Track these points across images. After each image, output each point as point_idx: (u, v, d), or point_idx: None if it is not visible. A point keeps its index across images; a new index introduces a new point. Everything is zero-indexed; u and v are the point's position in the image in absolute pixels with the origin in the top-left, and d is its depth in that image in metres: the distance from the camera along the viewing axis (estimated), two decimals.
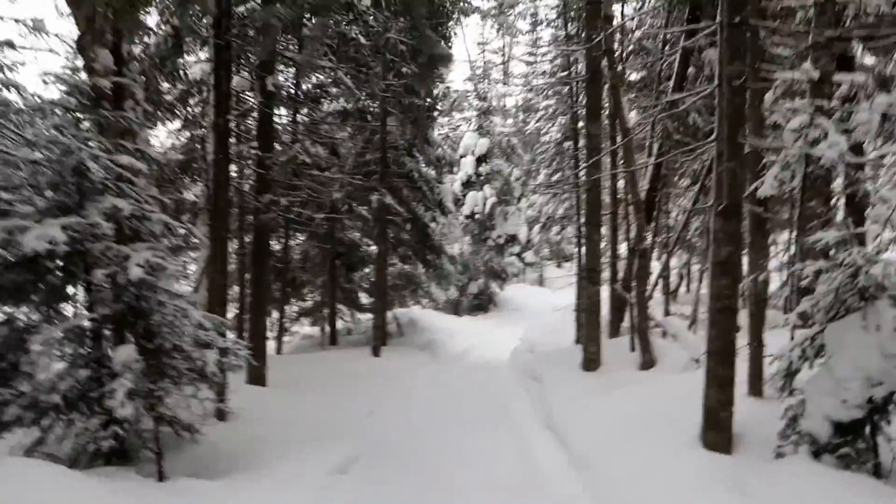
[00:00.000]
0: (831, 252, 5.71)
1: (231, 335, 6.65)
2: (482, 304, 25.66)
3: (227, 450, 6.84)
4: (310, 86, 16.86)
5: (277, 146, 15.17)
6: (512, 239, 24.65)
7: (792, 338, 6.05)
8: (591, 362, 10.05)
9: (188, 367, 5.38)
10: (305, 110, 16.72)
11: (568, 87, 17.96)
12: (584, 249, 11.74)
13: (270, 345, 18.94)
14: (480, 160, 24.25)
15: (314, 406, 9.38)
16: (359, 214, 19.07)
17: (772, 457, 5.44)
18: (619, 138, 10.37)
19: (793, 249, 8.30)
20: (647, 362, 9.49)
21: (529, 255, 29.43)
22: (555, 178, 20.54)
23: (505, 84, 28.28)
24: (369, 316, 18.74)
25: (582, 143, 13.44)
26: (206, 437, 6.59)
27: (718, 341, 5.87)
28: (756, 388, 6.74)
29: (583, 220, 12.91)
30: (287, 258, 19.93)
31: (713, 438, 5.88)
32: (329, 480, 6.31)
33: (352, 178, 17.18)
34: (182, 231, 15.62)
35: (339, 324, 21.99)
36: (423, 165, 17.60)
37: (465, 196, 24.04)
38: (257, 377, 10.71)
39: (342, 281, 20.51)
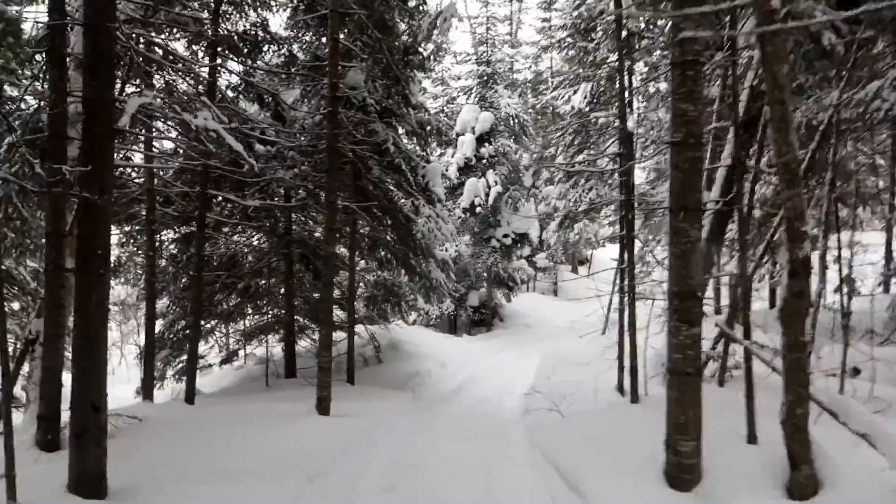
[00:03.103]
0: None
1: None
2: (484, 319, 20.89)
3: None
4: (247, 25, 12.25)
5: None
6: (521, 238, 19.86)
7: None
8: (685, 472, 5.29)
9: None
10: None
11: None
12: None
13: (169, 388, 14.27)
14: (482, 139, 19.39)
15: None
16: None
17: None
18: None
19: None
20: (806, 483, 4.76)
21: (541, 259, 24.68)
22: (578, 159, 15.87)
23: (513, 46, 23.42)
24: (344, 335, 14.21)
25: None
26: None
27: None
28: None
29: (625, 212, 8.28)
30: (233, 261, 15.43)
31: None
32: None
33: (305, 151, 12.59)
34: None
35: (306, 343, 17.33)
36: (403, 136, 12.87)
37: (462, 184, 19.22)
38: (88, 481, 6.06)
39: (307, 291, 15.97)
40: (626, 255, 10.32)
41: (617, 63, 9.87)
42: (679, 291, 5.34)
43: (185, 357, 15.39)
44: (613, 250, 29.59)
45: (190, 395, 10.60)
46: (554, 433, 7.88)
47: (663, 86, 14.36)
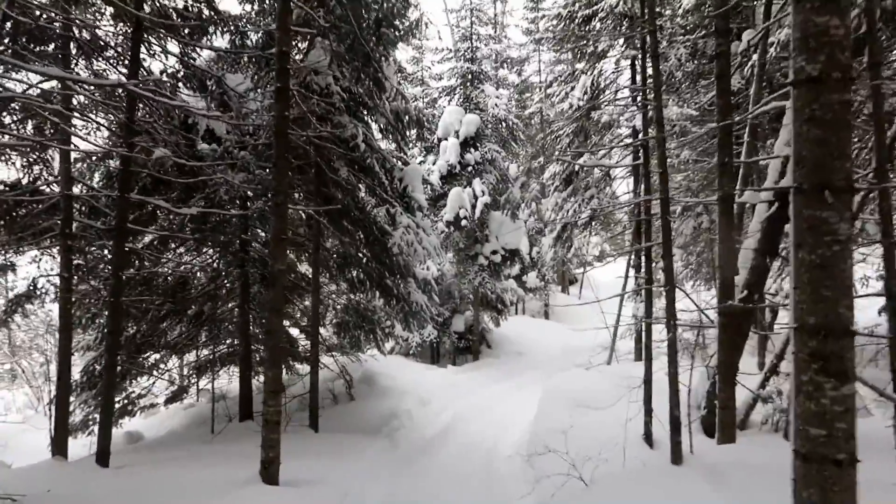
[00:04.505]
0: None
1: None
2: (471, 346, 18.68)
3: None
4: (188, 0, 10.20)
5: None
6: (512, 255, 17.75)
7: None
8: None
9: None
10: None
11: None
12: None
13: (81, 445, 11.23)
14: (467, 144, 17.32)
15: None
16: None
17: None
18: None
19: None
20: None
21: (531, 278, 22.57)
22: (579, 161, 13.84)
23: (497, 41, 21.35)
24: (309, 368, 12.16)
25: None
26: None
27: None
28: None
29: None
30: (183, 283, 13.28)
31: None
32: None
33: (260, 152, 10.54)
34: None
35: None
36: (377, 133, 10.78)
37: (445, 194, 17.10)
38: None
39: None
40: (642, 270, 8.26)
41: (642, 28, 7.88)
42: (820, 324, 3.25)
43: (119, 398, 13.20)
44: (608, 270, 27.62)
45: (103, 455, 8.28)
46: None
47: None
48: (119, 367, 12.47)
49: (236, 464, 7.96)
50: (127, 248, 9.98)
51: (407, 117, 10.02)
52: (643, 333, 8.31)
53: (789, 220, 7.42)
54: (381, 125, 10.64)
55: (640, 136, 8.85)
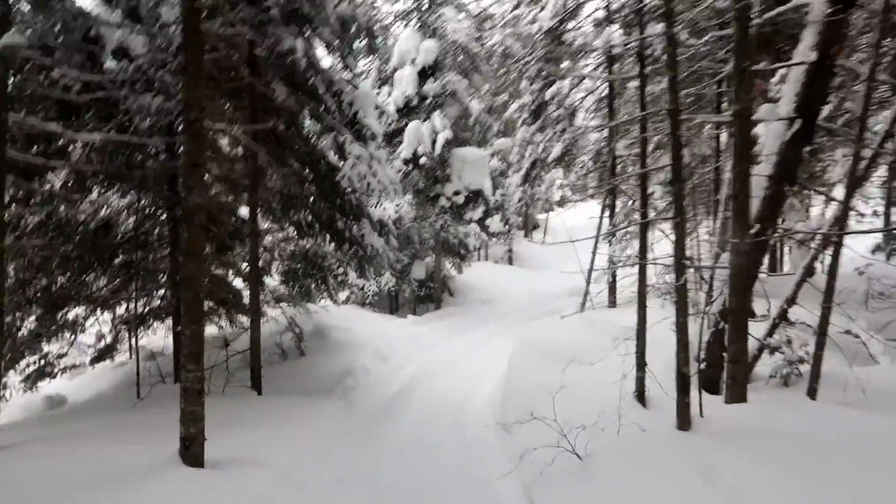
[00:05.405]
0: None
1: None
2: (432, 294, 17.42)
3: None
4: None
5: None
6: (476, 196, 16.36)
7: None
8: None
9: None
10: None
11: None
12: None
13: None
14: (425, 74, 15.70)
15: None
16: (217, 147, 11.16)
17: None
18: None
19: None
20: None
21: (495, 223, 21.28)
22: (550, 92, 12.45)
23: None
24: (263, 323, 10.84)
25: None
26: None
27: None
28: None
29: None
30: (107, 228, 11.64)
31: None
32: None
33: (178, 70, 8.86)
34: None
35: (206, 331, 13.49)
36: (321, 51, 9.18)
37: (402, 129, 15.53)
38: None
39: (206, 265, 12.24)
40: (617, 208, 7.00)
41: None
42: None
43: (34, 358, 11.68)
44: (580, 212, 26.53)
45: None
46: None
47: None
48: (33, 326, 10.98)
49: (157, 437, 6.59)
50: (21, 189, 8.35)
51: (356, 25, 8.43)
52: (637, 277, 7.11)
53: (813, 139, 6.09)
54: (326, 39, 9.02)
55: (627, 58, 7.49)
